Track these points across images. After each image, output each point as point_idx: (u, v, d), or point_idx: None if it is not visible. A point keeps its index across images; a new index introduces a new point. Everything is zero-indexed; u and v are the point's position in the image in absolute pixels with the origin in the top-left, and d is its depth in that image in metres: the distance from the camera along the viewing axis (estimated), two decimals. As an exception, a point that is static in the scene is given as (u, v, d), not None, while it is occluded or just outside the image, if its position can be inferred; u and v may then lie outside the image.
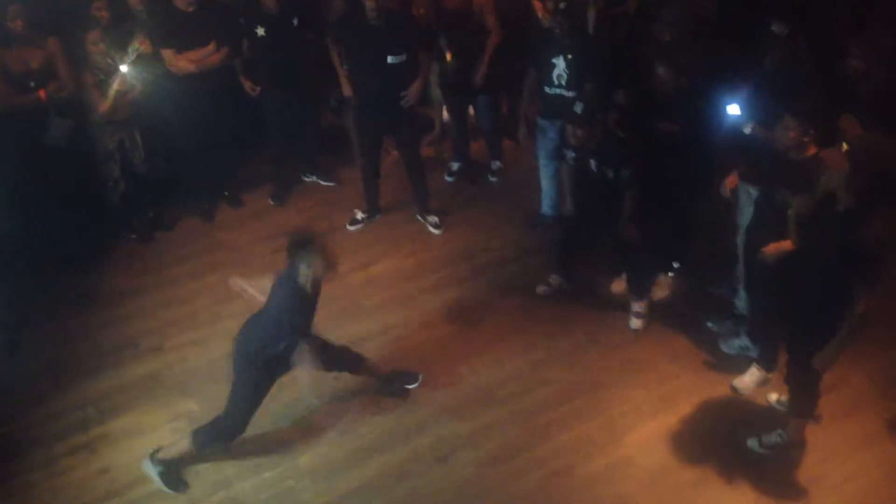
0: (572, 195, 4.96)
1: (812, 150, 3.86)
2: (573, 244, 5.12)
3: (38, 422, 4.39)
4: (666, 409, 4.38)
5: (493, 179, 6.38)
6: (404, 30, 5.25)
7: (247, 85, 5.70)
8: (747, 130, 4.31)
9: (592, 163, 4.65)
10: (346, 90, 5.57)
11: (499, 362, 4.71)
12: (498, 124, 6.31)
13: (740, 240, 4.63)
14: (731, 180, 4.51)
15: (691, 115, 4.53)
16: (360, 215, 5.91)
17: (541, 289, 5.23)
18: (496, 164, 6.40)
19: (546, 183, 5.74)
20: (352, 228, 5.86)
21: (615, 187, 4.61)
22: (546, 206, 5.85)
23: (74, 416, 4.42)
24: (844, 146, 3.84)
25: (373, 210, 5.94)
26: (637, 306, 4.95)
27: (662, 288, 5.18)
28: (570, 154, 4.78)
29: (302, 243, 3.79)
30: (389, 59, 5.17)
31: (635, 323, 4.93)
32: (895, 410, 4.33)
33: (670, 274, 5.21)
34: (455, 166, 6.44)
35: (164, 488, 3.99)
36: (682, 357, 4.72)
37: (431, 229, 5.85)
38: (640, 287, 4.96)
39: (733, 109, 4.43)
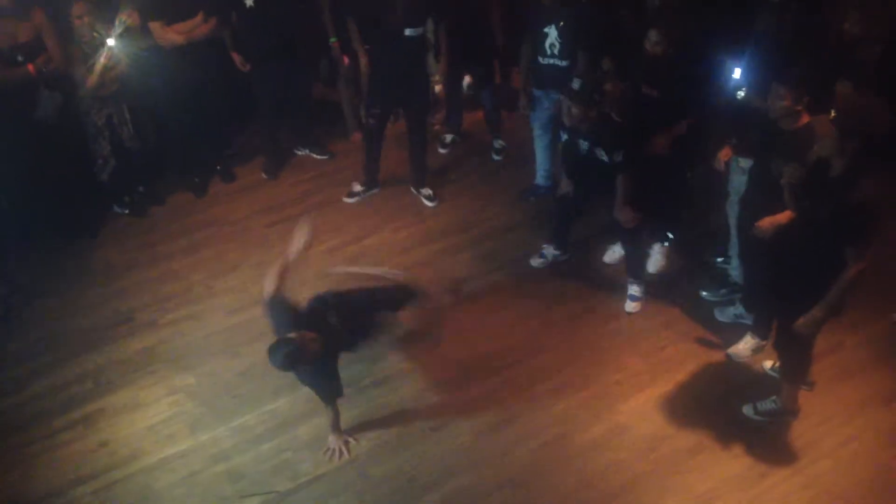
0: (568, 173, 4.93)
1: (804, 120, 3.85)
2: (569, 218, 5.11)
3: (36, 396, 4.40)
4: (661, 377, 4.41)
5: (497, 158, 6.31)
6: (423, 1, 5.22)
7: (237, 60, 5.64)
8: (740, 95, 4.29)
9: (584, 144, 4.60)
10: (364, 66, 5.54)
11: (494, 333, 4.72)
12: (497, 100, 6.22)
13: (731, 209, 4.64)
14: (724, 153, 4.50)
15: (681, 82, 4.48)
16: (357, 188, 5.88)
17: (535, 261, 5.23)
18: (499, 143, 6.33)
19: (540, 154, 5.73)
20: (349, 201, 5.84)
21: (608, 169, 4.55)
22: (540, 177, 5.84)
23: (72, 390, 4.43)
24: (832, 113, 3.83)
25: (371, 183, 5.91)
26: (634, 289, 4.88)
27: (658, 259, 5.17)
28: (564, 136, 4.76)
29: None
30: (407, 32, 5.15)
31: (631, 306, 4.86)
32: (889, 377, 4.36)
33: (665, 244, 5.19)
34: (448, 138, 6.42)
35: None
36: (676, 325, 4.73)
37: (425, 202, 5.84)
38: (637, 268, 4.90)
39: (737, 73, 4.38)
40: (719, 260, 4.98)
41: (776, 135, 3.91)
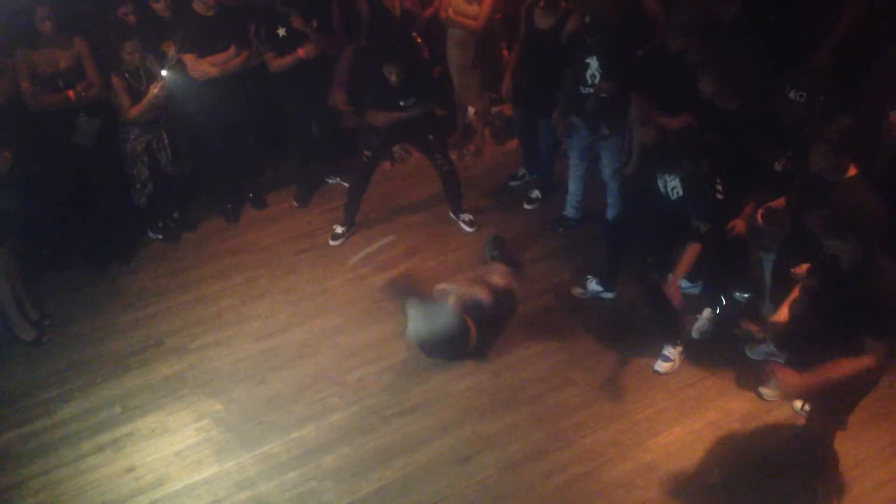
0: (626, 202, 4.87)
1: (852, 172, 3.72)
2: (619, 256, 5.02)
3: (66, 421, 4.45)
4: (690, 415, 4.35)
5: (528, 207, 6.10)
6: (419, 87, 5.37)
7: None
8: (778, 168, 4.22)
9: (673, 184, 4.31)
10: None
11: (522, 364, 4.69)
12: (554, 152, 6.07)
13: (766, 257, 4.59)
14: (760, 212, 4.31)
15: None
16: (339, 229, 5.81)
17: (576, 291, 5.20)
18: (535, 194, 6.14)
19: (574, 184, 5.70)
20: (334, 243, 5.77)
21: (680, 225, 4.33)
22: (570, 209, 5.82)
23: (101, 414, 4.47)
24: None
25: (351, 223, 5.84)
26: (668, 350, 4.64)
27: (704, 324, 4.83)
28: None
29: None
30: (402, 104, 5.31)
31: (661, 366, 4.63)
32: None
33: (718, 310, 4.85)
34: (534, 194, 6.17)
35: None
36: (706, 362, 4.66)
37: (465, 227, 5.85)
38: (671, 329, 4.64)
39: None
40: (747, 296, 4.91)
41: (821, 187, 3.78)
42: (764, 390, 4.40)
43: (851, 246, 3.24)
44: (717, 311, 4.84)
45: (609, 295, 5.14)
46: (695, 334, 4.83)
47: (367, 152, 5.64)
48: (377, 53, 5.41)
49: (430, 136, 5.64)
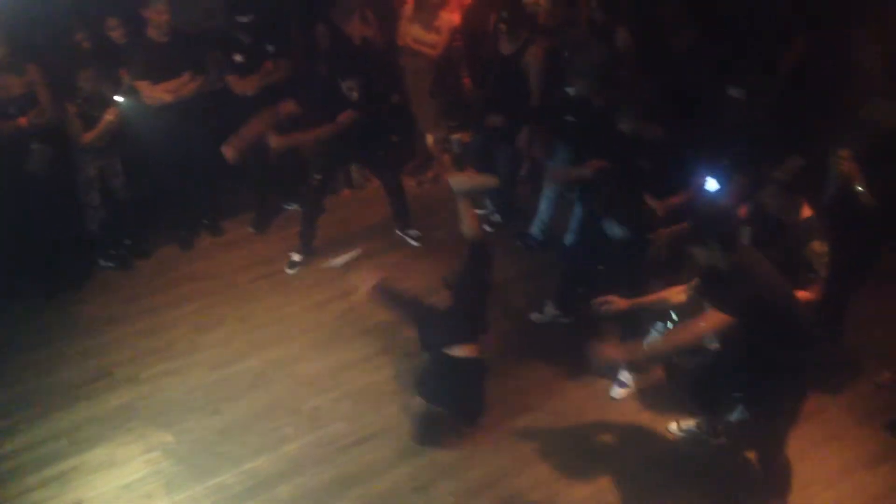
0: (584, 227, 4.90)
1: (806, 213, 3.75)
2: (577, 281, 5.03)
3: (11, 453, 4.32)
4: (648, 439, 4.37)
5: (488, 230, 6.04)
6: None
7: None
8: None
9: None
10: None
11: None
12: (514, 177, 6.10)
13: None
14: None
15: None
16: (296, 257, 5.78)
17: (534, 316, 5.20)
18: (495, 217, 6.18)
19: (544, 203, 5.74)
20: (290, 272, 5.74)
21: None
22: (536, 228, 5.84)
23: (48, 447, 4.35)
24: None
25: (308, 250, 5.81)
26: (625, 376, 4.68)
27: (656, 337, 4.73)
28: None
29: None
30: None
31: (617, 392, 4.66)
32: (873, 439, 4.34)
33: (669, 325, 4.72)
34: (494, 217, 6.20)
35: None
36: (662, 387, 4.70)
37: (412, 242, 5.93)
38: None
39: (712, 185, 4.29)
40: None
41: (777, 230, 3.80)
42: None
43: (715, 253, 3.37)
44: (670, 325, 4.87)
45: (566, 320, 5.16)
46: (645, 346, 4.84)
47: (317, 176, 5.65)
48: (337, 71, 5.37)
49: (381, 153, 5.69)
